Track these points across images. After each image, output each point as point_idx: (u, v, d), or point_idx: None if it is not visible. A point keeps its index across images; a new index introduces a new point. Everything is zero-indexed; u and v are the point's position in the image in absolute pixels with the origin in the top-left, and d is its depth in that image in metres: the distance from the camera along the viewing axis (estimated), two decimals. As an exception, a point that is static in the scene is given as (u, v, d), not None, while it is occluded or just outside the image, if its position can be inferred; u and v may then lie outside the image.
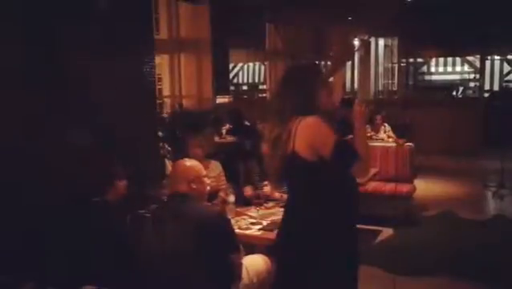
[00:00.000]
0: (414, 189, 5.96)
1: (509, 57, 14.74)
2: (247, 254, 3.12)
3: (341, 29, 8.69)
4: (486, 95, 14.38)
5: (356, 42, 11.31)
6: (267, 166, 2.42)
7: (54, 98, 3.24)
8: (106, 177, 2.99)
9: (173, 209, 2.58)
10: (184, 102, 6.07)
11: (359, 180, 2.31)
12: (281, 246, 2.45)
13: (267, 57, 9.50)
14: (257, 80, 16.60)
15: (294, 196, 2.39)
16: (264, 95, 12.54)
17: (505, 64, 15.37)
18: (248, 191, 4.01)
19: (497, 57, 15.31)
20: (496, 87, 15.45)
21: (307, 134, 2.19)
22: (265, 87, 14.50)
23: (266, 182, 3.96)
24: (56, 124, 3.23)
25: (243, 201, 3.88)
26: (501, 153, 7.55)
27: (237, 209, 3.68)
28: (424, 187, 6.72)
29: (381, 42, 13.66)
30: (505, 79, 15.49)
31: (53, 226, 2.83)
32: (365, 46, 12.31)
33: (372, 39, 12.74)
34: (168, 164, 4.97)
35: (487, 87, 15.31)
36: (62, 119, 3.28)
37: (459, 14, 10.85)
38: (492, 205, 6.72)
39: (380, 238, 5.29)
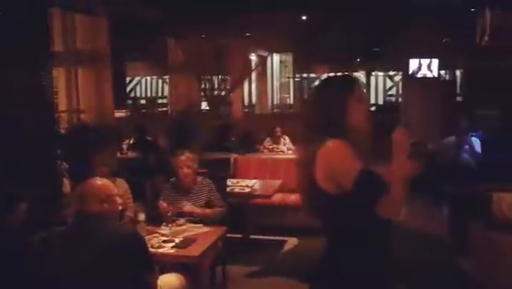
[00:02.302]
0: (315, 198, 6.21)
1: (391, 73, 16.05)
2: (161, 272, 3.04)
3: (240, 44, 8.88)
4: (372, 108, 15.53)
5: (254, 58, 11.62)
6: (299, 192, 2.09)
7: None
8: (4, 199, 2.75)
9: (84, 230, 2.45)
10: (83, 117, 5.79)
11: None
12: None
13: (168, 71, 9.40)
14: (155, 94, 16.30)
15: (324, 230, 2.03)
16: (164, 109, 12.37)
17: (388, 80, 16.70)
18: (163, 206, 3.91)
19: (380, 73, 16.60)
20: (380, 101, 16.72)
21: (326, 161, 1.86)
22: (164, 101, 14.35)
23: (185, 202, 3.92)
24: None
25: (154, 219, 3.78)
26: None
27: (148, 228, 3.58)
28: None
29: (276, 57, 14.17)
30: (388, 93, 16.82)
31: None
32: (262, 61, 12.68)
33: (268, 55, 13.17)
34: (67, 183, 4.71)
35: (372, 101, 16.54)
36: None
37: (347, 32, 11.61)
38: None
39: (286, 247, 5.43)
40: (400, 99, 14.34)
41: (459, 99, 11.07)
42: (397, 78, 15.34)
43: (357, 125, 1.94)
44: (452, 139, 6.52)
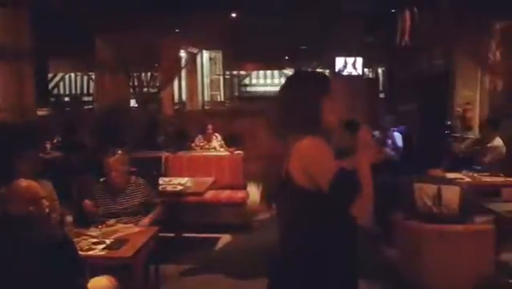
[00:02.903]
0: (247, 195, 6.29)
1: (318, 70, 16.53)
2: (92, 276, 2.96)
3: (170, 41, 8.75)
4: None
5: (184, 55, 11.51)
6: (261, 184, 2.07)
7: None
8: None
9: (10, 234, 2.33)
10: (2, 116, 5.46)
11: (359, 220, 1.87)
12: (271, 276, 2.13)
13: (94, 67, 9.08)
14: (80, 91, 15.68)
15: (284, 224, 2.01)
16: (90, 106, 11.94)
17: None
18: (88, 205, 3.79)
19: (308, 70, 17.05)
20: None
21: (304, 157, 1.84)
22: (90, 98, 13.85)
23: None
24: None
25: (83, 220, 3.66)
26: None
27: (76, 230, 3.45)
28: (256, 192, 7.11)
29: (206, 54, 14.13)
30: (316, 90, 17.32)
31: None
32: (192, 58, 12.58)
33: (198, 52, 13.09)
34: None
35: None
36: None
37: (275, 31, 11.81)
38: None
39: (219, 244, 5.46)
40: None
41: (382, 96, 11.62)
42: (324, 75, 15.81)
43: (329, 123, 1.94)
44: (376, 134, 6.83)
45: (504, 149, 5.81)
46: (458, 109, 8.13)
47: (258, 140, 9.73)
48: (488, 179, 5.21)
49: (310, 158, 1.84)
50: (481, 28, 6.19)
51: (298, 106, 1.92)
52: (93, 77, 10.79)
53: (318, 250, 1.88)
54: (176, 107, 12.32)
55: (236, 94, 16.66)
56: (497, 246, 3.57)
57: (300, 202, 1.88)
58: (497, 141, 5.86)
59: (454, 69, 8.13)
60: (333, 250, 1.88)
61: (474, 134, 7.13)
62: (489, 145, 5.85)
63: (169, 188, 5.09)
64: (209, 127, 7.66)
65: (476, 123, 8.04)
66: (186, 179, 5.41)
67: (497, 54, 6.16)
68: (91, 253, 3.13)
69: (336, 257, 1.89)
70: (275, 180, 1.93)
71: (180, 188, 5.10)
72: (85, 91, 15.38)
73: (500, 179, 5.27)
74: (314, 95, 1.93)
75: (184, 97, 13.33)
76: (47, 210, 2.63)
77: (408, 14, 7.27)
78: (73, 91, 15.84)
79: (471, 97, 8.20)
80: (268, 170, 1.99)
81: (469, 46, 6.19)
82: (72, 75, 15.71)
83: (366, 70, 12.14)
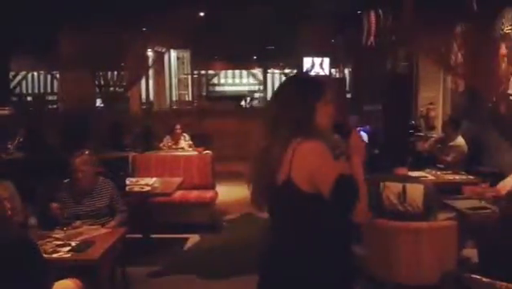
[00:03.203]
0: (216, 195, 6.27)
1: (286, 71, 16.61)
2: (57, 279, 2.89)
3: (137, 40, 8.64)
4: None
5: (151, 54, 11.39)
6: (252, 185, 2.04)
7: None
8: None
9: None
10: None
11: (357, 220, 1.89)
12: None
13: (59, 66, 8.87)
14: (43, 90, 15.26)
15: (280, 226, 2.00)
16: (54, 106, 11.66)
17: (283, 77, 17.27)
18: (54, 207, 3.71)
19: (276, 71, 17.11)
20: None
21: (307, 162, 1.85)
22: (54, 98, 13.51)
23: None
24: None
25: (47, 223, 3.57)
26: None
27: (40, 232, 3.38)
28: (225, 192, 7.11)
29: (174, 54, 14.01)
30: (284, 90, 17.39)
31: None
32: (160, 57, 12.46)
33: (166, 51, 12.97)
34: None
35: (269, 97, 17.01)
36: None
37: (243, 30, 11.82)
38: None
39: (188, 245, 5.42)
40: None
41: (349, 96, 11.78)
42: (292, 75, 15.92)
43: (323, 127, 1.96)
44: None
45: (465, 148, 6.00)
46: (422, 109, 8.33)
47: (226, 140, 9.74)
48: (450, 177, 5.35)
49: (313, 163, 1.84)
50: (443, 30, 6.36)
51: (295, 108, 1.93)
52: (57, 76, 10.55)
53: (318, 251, 1.88)
54: (144, 106, 12.18)
55: (204, 93, 16.58)
56: (460, 241, 3.68)
57: (301, 205, 1.88)
58: (459, 140, 6.04)
59: (418, 70, 8.33)
60: (332, 251, 1.90)
61: (437, 133, 7.33)
62: (451, 144, 6.02)
63: (137, 188, 5.03)
64: (178, 127, 7.60)
65: (439, 122, 8.26)
66: (154, 179, 5.36)
67: (459, 55, 6.35)
68: (55, 255, 3.07)
69: (335, 258, 1.91)
70: (269, 182, 1.93)
71: (147, 188, 5.05)
72: (49, 90, 14.98)
73: (461, 177, 5.42)
74: (310, 99, 1.95)
75: (151, 97, 13.18)
76: (9, 212, 2.55)
77: (373, 15, 7.40)
78: (36, 90, 15.42)
79: (434, 97, 8.42)
80: (261, 172, 1.97)
81: (432, 48, 6.35)
82: (35, 73, 15.29)
83: (333, 70, 12.29)
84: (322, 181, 1.82)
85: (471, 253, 3.42)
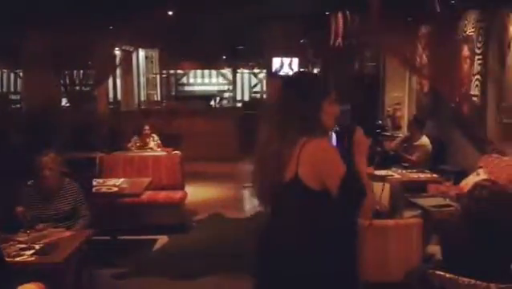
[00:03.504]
0: (185, 195, 6.24)
1: (256, 71, 16.64)
2: (21, 283, 2.82)
3: (104, 38, 8.49)
4: (239, 104, 15.97)
5: (118, 53, 11.22)
6: (257, 184, 2.05)
7: None
8: None
9: None
10: None
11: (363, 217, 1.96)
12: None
13: (23, 64, 8.63)
14: (6, 90, 14.82)
15: (285, 224, 1.98)
16: (18, 106, 11.34)
17: (253, 77, 17.29)
18: (20, 211, 3.61)
19: (245, 70, 17.11)
20: (246, 98, 17.24)
21: (315, 160, 1.86)
22: (18, 97, 13.13)
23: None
24: None
25: (11, 225, 3.48)
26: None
27: (3, 235, 3.29)
28: (194, 193, 7.08)
29: (142, 53, 13.83)
30: (253, 90, 17.42)
31: None
32: (127, 56, 12.28)
33: (134, 50, 12.80)
34: None
35: (239, 97, 17.00)
36: None
37: (212, 30, 11.78)
38: (252, 204, 7.52)
39: (157, 246, 5.37)
40: (264, 96, 14.93)
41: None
42: (261, 75, 15.94)
43: (329, 125, 1.98)
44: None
45: (430, 147, 6.15)
46: (388, 109, 8.50)
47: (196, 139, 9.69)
48: (415, 176, 5.47)
49: (321, 161, 1.87)
50: (408, 32, 6.50)
51: (302, 107, 1.94)
52: (21, 74, 10.26)
53: (325, 249, 1.88)
54: (112, 106, 11.99)
55: (173, 93, 16.43)
56: (425, 239, 3.76)
57: (308, 202, 1.89)
58: (424, 140, 6.19)
59: (385, 70, 8.49)
60: (339, 249, 1.91)
61: (403, 133, 7.48)
62: (416, 144, 6.16)
63: (104, 189, 4.95)
64: (146, 128, 7.52)
65: (405, 122, 8.43)
66: (121, 180, 5.29)
67: (424, 57, 6.49)
68: (19, 259, 3.01)
69: (342, 255, 1.92)
70: (275, 180, 1.93)
71: (115, 189, 4.98)
72: (12, 89, 14.56)
73: (426, 175, 5.55)
74: (317, 97, 1.96)
75: (119, 96, 12.98)
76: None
77: (340, 16, 7.50)
78: (-1, 89, 14.96)
79: (400, 97, 8.60)
80: (266, 170, 1.97)
81: (398, 49, 6.48)
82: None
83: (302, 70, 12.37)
84: (330, 178, 1.84)
85: (435, 249, 3.50)
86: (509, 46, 5.21)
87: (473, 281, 2.27)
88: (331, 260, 1.90)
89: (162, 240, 5.51)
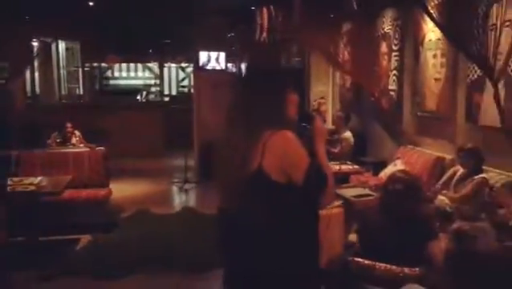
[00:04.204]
0: (110, 192, 6.05)
1: (183, 65, 16.45)
2: None
3: (19, 29, 8.02)
4: (166, 99, 15.73)
5: (36, 44, 10.65)
6: (221, 178, 2.04)
7: None
8: None
9: None
10: None
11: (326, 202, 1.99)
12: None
13: None
14: None
15: (251, 217, 1.97)
16: None
17: (180, 71, 17.09)
18: None
19: (173, 65, 16.87)
20: (174, 92, 17.01)
21: (279, 153, 1.87)
22: None
23: None
24: None
25: None
26: (183, 152, 8.42)
27: None
28: (120, 189, 6.89)
29: (62, 44, 13.22)
30: (181, 84, 17.22)
31: None
32: (45, 48, 11.69)
33: (53, 41, 12.20)
34: None
35: (166, 91, 16.74)
36: None
37: (137, 23, 11.51)
38: (179, 199, 7.45)
39: (80, 246, 5.17)
40: (192, 90, 14.79)
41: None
42: (189, 69, 15.78)
43: (291, 116, 2.00)
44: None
45: (352, 140, 6.40)
46: (314, 103, 8.73)
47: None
48: (337, 167, 5.68)
49: (285, 153, 1.87)
50: (331, 29, 6.70)
51: (267, 100, 1.94)
52: None
53: (291, 240, 1.91)
54: (30, 101, 11.36)
55: (97, 87, 15.86)
56: (347, 227, 3.92)
57: (274, 196, 1.89)
58: (347, 133, 6.43)
59: (310, 65, 8.71)
60: (304, 240, 1.95)
61: (328, 126, 7.73)
62: (340, 137, 6.39)
63: (20, 188, 4.69)
64: (68, 125, 7.21)
65: (329, 116, 8.71)
66: (40, 178, 5.03)
67: (345, 53, 6.73)
68: None
69: (307, 246, 1.97)
70: (239, 173, 1.92)
71: (32, 188, 4.73)
72: None
73: (348, 167, 5.78)
74: (281, 89, 1.98)
75: (38, 90, 12.32)
76: None
77: (265, 12, 7.58)
78: None
79: (324, 92, 8.87)
80: (231, 164, 1.96)
81: (321, 46, 6.66)
82: None
83: (230, 65, 12.40)
84: (295, 170, 1.87)
85: (356, 238, 3.66)
86: (422, 44, 5.53)
87: (388, 266, 2.41)
88: (298, 249, 1.93)
89: (86, 239, 5.30)
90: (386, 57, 6.51)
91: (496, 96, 3.79)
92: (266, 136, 1.88)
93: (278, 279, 1.91)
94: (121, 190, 7.09)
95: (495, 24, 3.78)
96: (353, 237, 3.34)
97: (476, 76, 4.51)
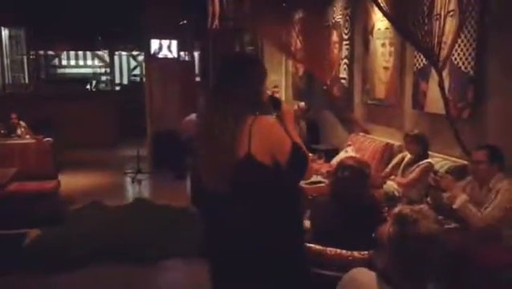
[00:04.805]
0: (59, 184, 5.88)
1: (134, 53, 16.08)
2: None
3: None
4: (118, 88, 15.35)
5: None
6: (205, 166, 2.07)
7: None
8: None
9: None
10: None
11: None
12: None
13: None
14: None
15: (243, 202, 2.03)
16: None
17: (132, 60, 16.70)
18: None
19: (124, 53, 16.46)
20: (125, 81, 16.63)
21: (267, 136, 1.99)
22: None
23: None
24: None
25: None
26: (136, 142, 8.28)
27: None
28: (70, 181, 6.71)
29: (5, 32, 12.61)
30: (133, 73, 16.84)
31: None
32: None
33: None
34: None
35: (117, 80, 16.33)
36: None
37: (85, 9, 11.15)
38: (132, 190, 7.34)
39: (27, 240, 5.01)
40: (144, 79, 14.50)
41: (198, 79, 11.86)
42: (140, 58, 15.44)
43: (265, 102, 2.12)
44: (192, 116, 6.96)
45: (305, 128, 6.48)
46: (267, 92, 8.76)
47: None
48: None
49: (271, 137, 2.00)
50: (283, 17, 6.72)
51: (248, 86, 2.04)
52: None
53: (280, 220, 2.02)
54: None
55: (43, 76, 15.26)
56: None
57: (263, 178, 2.00)
58: (303, 123, 6.52)
59: (263, 54, 8.72)
60: (293, 221, 2.10)
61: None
62: (297, 126, 6.46)
63: (-40, 182, 4.48)
64: (13, 116, 6.97)
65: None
66: (-18, 171, 4.82)
67: (298, 42, 6.78)
68: None
69: (295, 227, 2.12)
70: (224, 160, 1.98)
71: (-26, 181, 4.53)
72: None
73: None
74: (260, 76, 2.11)
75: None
76: None
77: (216, -1, 7.51)
78: None
79: (277, 81, 8.91)
80: (214, 152, 2.01)
81: (273, 34, 6.68)
82: None
83: (182, 53, 12.22)
84: (282, 152, 1.99)
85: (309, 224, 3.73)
86: (371, 33, 5.64)
87: (338, 251, 2.46)
88: (286, 231, 2.06)
89: (34, 233, 5.14)
90: (337, 46, 6.60)
91: (441, 84, 3.92)
92: (250, 121, 1.98)
93: (269, 255, 2.01)
94: (72, 182, 6.91)
95: (439, 14, 3.90)
96: (307, 223, 3.40)
97: (422, 65, 4.66)
